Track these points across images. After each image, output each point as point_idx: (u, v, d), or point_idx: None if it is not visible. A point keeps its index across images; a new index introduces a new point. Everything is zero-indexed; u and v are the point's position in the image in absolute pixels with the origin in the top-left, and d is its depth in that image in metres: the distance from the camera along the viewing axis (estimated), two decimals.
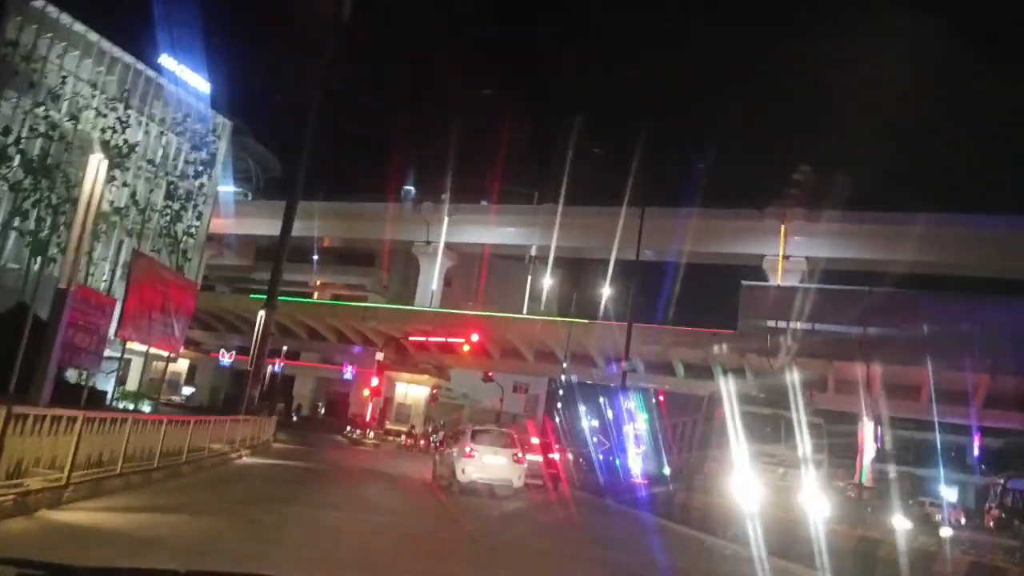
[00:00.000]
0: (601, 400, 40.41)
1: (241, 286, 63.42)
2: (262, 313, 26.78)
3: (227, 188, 58.01)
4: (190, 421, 14.17)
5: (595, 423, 41.57)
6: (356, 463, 24.52)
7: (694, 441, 24.20)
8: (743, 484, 15.44)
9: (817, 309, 37.48)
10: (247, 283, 62.99)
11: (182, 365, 55.36)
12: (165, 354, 43.28)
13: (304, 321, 50.37)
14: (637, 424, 32.43)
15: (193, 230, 43.68)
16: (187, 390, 59.27)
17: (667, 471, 26.22)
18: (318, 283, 61.74)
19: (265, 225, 58.48)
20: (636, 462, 27.78)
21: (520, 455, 17.41)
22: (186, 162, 43.28)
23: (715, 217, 44.29)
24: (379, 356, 38.65)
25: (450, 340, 39.04)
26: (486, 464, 16.55)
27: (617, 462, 28.18)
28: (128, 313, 22.04)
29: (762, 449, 17.38)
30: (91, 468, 9.35)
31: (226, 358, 55.72)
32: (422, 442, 35.44)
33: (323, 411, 56.71)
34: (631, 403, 33.01)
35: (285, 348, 51.52)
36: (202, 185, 44.29)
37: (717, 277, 49.07)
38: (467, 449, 16.67)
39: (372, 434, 35.53)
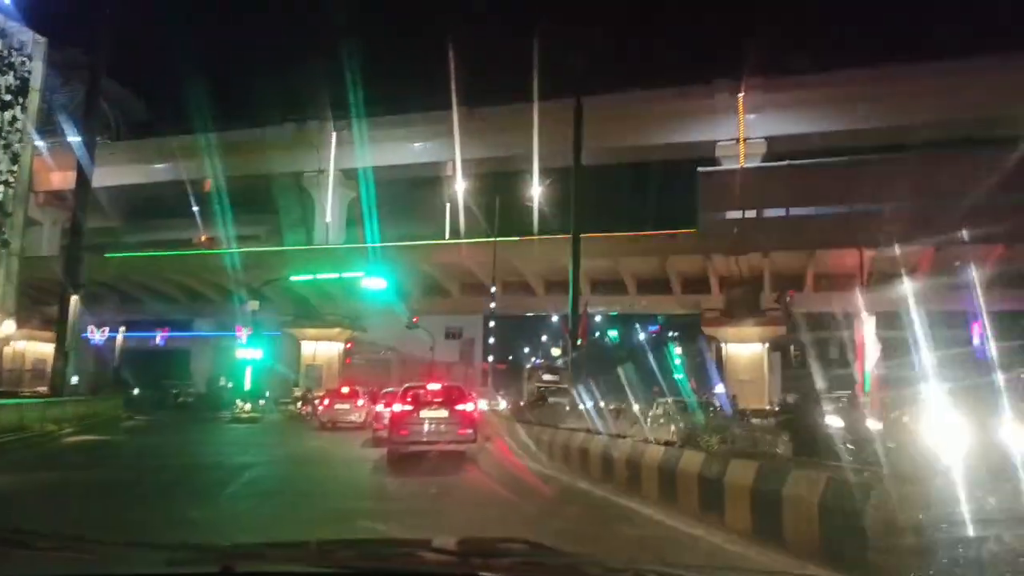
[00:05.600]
0: None
1: (113, 252, 53.86)
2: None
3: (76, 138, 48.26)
4: None
5: None
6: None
7: None
8: None
9: (792, 191, 31.03)
10: (119, 248, 53.38)
11: (47, 349, 46.05)
12: None
13: (173, 279, 41.70)
14: None
15: (9, 178, 34.08)
16: (73, 379, 49.97)
17: None
18: (203, 238, 52.56)
19: (130, 172, 49.10)
20: None
21: None
22: None
23: (654, 100, 37.11)
24: (251, 306, 30.60)
25: (344, 276, 31.33)
26: None
27: None
28: None
29: None
30: None
31: (97, 336, 46.45)
32: (305, 408, 28.50)
33: (230, 386, 48.58)
34: None
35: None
36: (14, 119, 34.44)
37: (664, 176, 42.19)
38: None
39: (249, 406, 27.76)
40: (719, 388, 28.48)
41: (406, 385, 14.36)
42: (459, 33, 38.56)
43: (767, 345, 34.23)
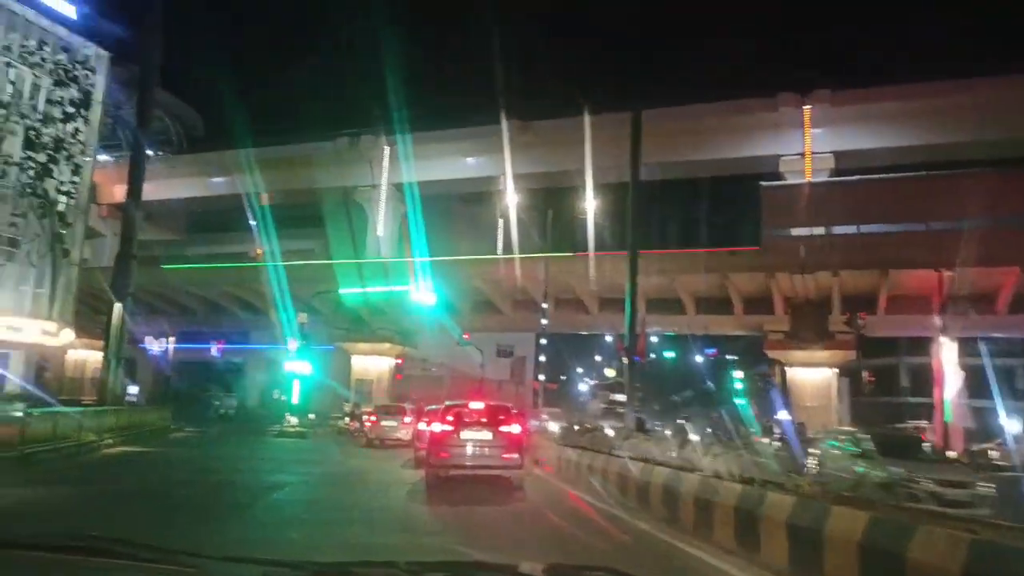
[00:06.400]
0: None
1: (173, 264, 54.73)
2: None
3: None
4: None
5: None
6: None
7: None
8: None
9: (862, 206, 29.27)
10: (180, 261, 54.26)
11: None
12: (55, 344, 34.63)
13: (228, 292, 41.91)
14: None
15: (71, 189, 34.74)
16: (133, 388, 50.80)
17: None
18: (259, 251, 53.01)
19: (190, 186, 49.94)
20: None
21: None
22: (49, 102, 34.11)
23: (715, 113, 35.79)
24: (301, 319, 30.22)
25: (393, 289, 30.75)
26: None
27: None
28: None
29: None
30: None
31: (154, 346, 47.02)
32: (353, 424, 27.86)
33: (283, 399, 48.60)
34: None
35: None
36: (77, 131, 35.15)
37: (722, 192, 40.69)
38: None
39: (296, 420, 27.28)
40: (783, 414, 26.72)
41: (447, 403, 13.41)
42: (513, 47, 37.97)
43: (836, 371, 32.22)
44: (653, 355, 53.73)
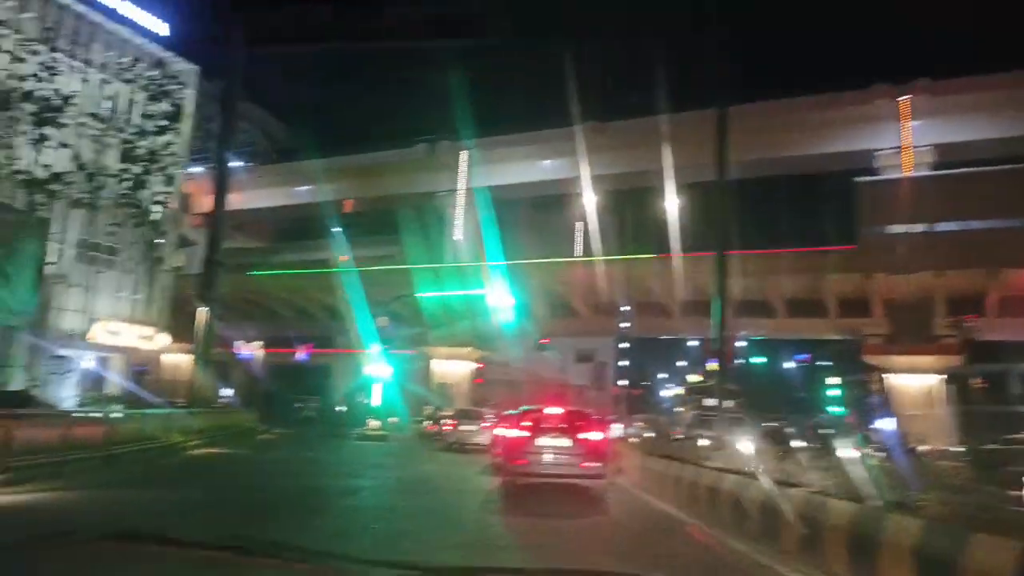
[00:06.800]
0: None
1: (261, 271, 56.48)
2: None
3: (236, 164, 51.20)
4: None
5: None
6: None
7: None
8: None
9: (967, 201, 27.25)
10: (270, 268, 55.96)
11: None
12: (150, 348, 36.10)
13: (313, 297, 42.79)
14: None
15: (164, 198, 36.26)
16: (227, 391, 52.67)
17: None
18: (343, 258, 54.05)
19: (276, 195, 51.35)
20: None
21: None
22: (144, 116, 35.72)
23: (804, 108, 34.16)
24: (381, 322, 30.42)
25: (470, 293, 30.57)
26: None
27: None
28: None
29: None
30: None
31: (245, 351, 48.46)
32: (433, 428, 27.73)
33: (367, 403, 49.30)
34: None
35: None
36: (169, 144, 36.68)
37: (811, 189, 38.78)
38: None
39: (378, 423, 27.45)
40: (887, 423, 24.90)
41: (523, 407, 12.91)
42: (589, 46, 37.21)
43: (944, 377, 29.97)
44: (742, 360, 51.93)
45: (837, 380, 38.69)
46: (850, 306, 32.07)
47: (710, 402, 21.34)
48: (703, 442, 11.39)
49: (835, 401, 38.03)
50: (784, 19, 56.62)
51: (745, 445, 10.12)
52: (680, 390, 46.57)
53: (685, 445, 12.87)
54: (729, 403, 19.60)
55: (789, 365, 45.39)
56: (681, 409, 28.79)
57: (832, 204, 35.29)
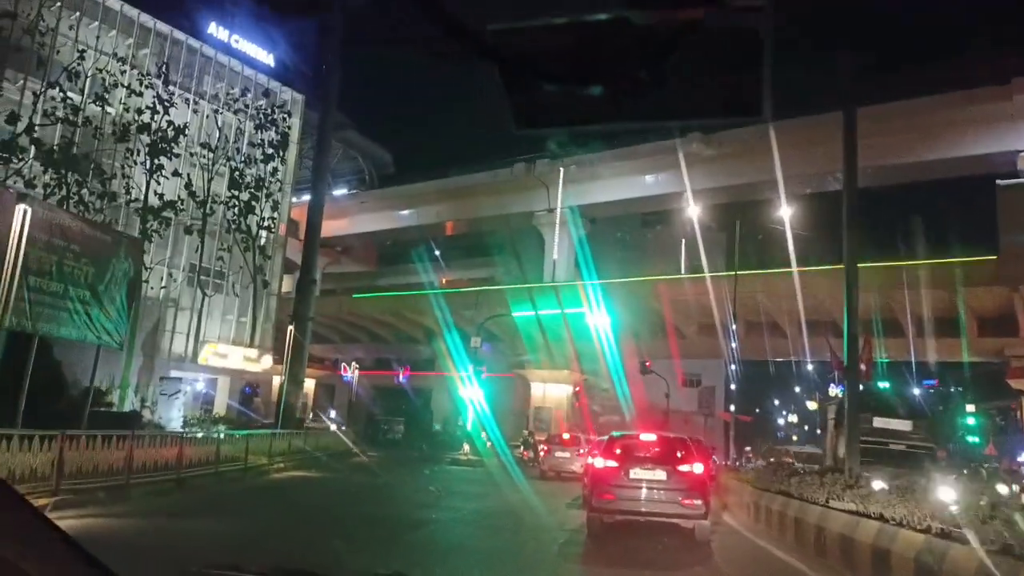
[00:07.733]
0: None
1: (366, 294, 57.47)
2: None
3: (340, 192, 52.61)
4: None
5: None
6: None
7: None
8: None
9: None
10: (373, 291, 56.92)
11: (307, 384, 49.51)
12: (256, 369, 36.90)
13: (412, 319, 42.74)
14: None
15: (270, 223, 37.16)
16: (331, 412, 53.65)
17: None
18: (444, 281, 54.20)
19: (379, 220, 52.15)
20: None
21: None
22: (251, 144, 36.87)
23: (934, 108, 31.15)
24: (474, 343, 29.62)
25: (566, 311, 29.37)
26: None
27: None
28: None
29: None
30: None
31: (348, 373, 49.11)
32: (527, 454, 26.45)
33: (461, 425, 48.91)
34: None
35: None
36: (275, 170, 37.68)
37: (939, 195, 35.35)
38: None
39: (469, 448, 26.57)
40: None
41: (613, 433, 11.50)
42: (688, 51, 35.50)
43: None
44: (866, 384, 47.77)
45: (972, 408, 34.69)
46: (992, 324, 28.68)
47: (888, 424, 16.55)
48: (877, 484, 8.71)
49: (971, 431, 34.21)
50: (913, 9, 52.80)
51: (945, 491, 7.88)
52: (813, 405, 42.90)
53: (805, 480, 10.93)
54: (904, 426, 16.46)
55: (915, 391, 41.28)
56: (827, 433, 22.93)
57: (965, 211, 31.98)
